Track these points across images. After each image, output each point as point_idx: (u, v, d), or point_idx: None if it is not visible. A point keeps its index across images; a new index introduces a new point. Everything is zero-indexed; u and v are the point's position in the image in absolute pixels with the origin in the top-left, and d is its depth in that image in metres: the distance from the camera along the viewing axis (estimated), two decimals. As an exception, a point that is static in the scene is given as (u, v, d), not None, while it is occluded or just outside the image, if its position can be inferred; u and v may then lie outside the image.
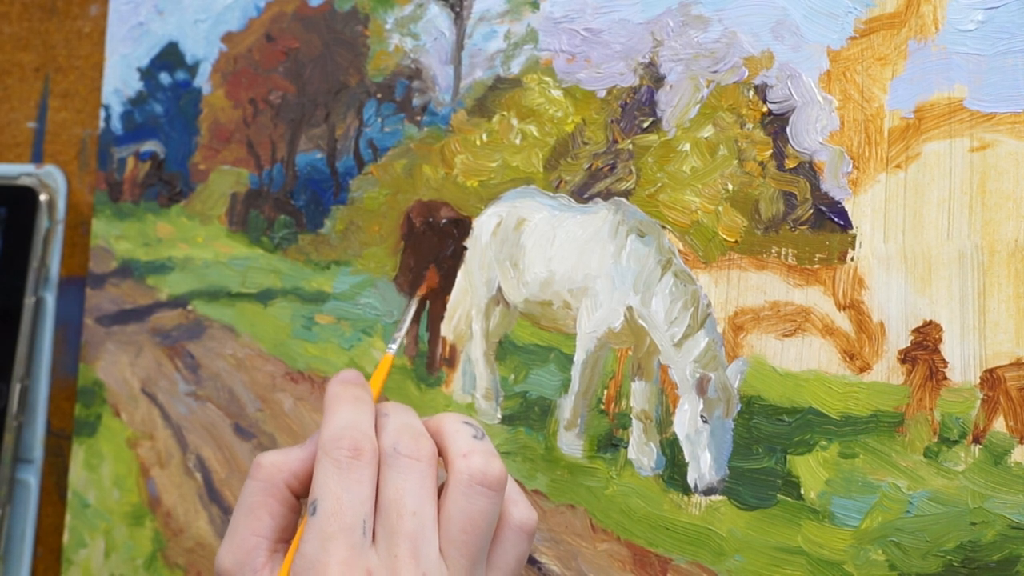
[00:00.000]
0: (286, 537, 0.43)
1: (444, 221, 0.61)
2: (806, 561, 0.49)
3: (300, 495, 0.44)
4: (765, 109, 0.52)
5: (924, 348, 0.48)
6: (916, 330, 0.48)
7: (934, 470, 0.47)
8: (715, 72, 0.54)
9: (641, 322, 0.54)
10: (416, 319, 0.62)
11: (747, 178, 0.52)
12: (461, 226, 0.61)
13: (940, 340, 0.47)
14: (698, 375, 0.52)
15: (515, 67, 0.60)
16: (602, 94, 0.57)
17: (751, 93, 0.53)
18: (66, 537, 0.73)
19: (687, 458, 0.53)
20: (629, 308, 0.54)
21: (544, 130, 0.59)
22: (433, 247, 0.62)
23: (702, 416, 0.52)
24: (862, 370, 0.49)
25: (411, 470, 0.41)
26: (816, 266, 0.50)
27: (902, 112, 0.49)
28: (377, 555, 0.40)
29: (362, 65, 0.65)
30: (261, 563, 0.42)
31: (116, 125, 0.74)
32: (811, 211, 0.51)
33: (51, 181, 0.74)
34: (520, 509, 0.44)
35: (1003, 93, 0.47)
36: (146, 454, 0.71)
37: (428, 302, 0.62)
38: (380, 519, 0.41)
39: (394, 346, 0.51)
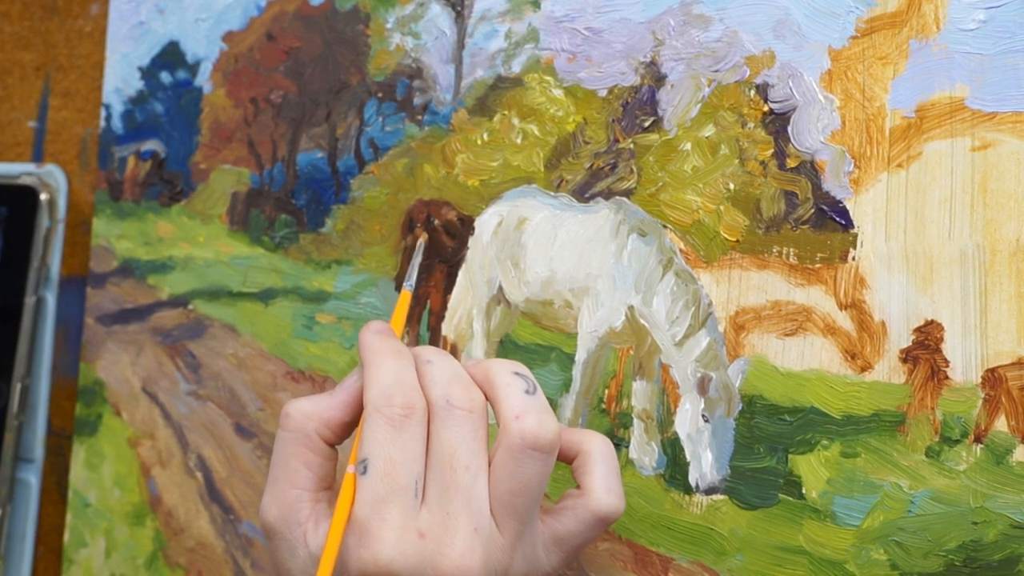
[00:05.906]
0: (325, 485, 0.42)
1: (445, 221, 0.61)
2: (808, 561, 0.49)
3: (333, 444, 0.43)
4: (766, 108, 0.52)
5: (926, 347, 0.48)
6: (917, 329, 0.48)
7: (936, 469, 0.47)
8: (716, 71, 0.54)
9: (642, 321, 0.54)
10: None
11: (748, 177, 0.52)
12: (462, 225, 0.61)
13: (942, 339, 0.47)
14: (699, 374, 0.52)
15: (516, 66, 0.60)
16: (603, 93, 0.57)
17: (752, 92, 0.53)
18: (67, 536, 0.73)
19: (688, 457, 0.53)
20: (630, 307, 0.54)
21: (545, 129, 0.59)
22: (435, 246, 0.62)
23: (703, 415, 0.52)
24: (863, 369, 0.49)
25: (464, 423, 0.40)
26: (817, 265, 0.50)
27: (903, 111, 0.49)
28: (429, 514, 0.39)
29: (363, 64, 0.65)
30: (305, 516, 0.41)
31: (117, 124, 0.74)
32: (812, 210, 0.51)
33: (52, 180, 0.74)
34: (608, 497, 0.42)
35: (1004, 92, 0.47)
36: (147, 453, 0.71)
37: (428, 301, 0.62)
38: (432, 474, 0.40)
39: (410, 283, 0.48)
